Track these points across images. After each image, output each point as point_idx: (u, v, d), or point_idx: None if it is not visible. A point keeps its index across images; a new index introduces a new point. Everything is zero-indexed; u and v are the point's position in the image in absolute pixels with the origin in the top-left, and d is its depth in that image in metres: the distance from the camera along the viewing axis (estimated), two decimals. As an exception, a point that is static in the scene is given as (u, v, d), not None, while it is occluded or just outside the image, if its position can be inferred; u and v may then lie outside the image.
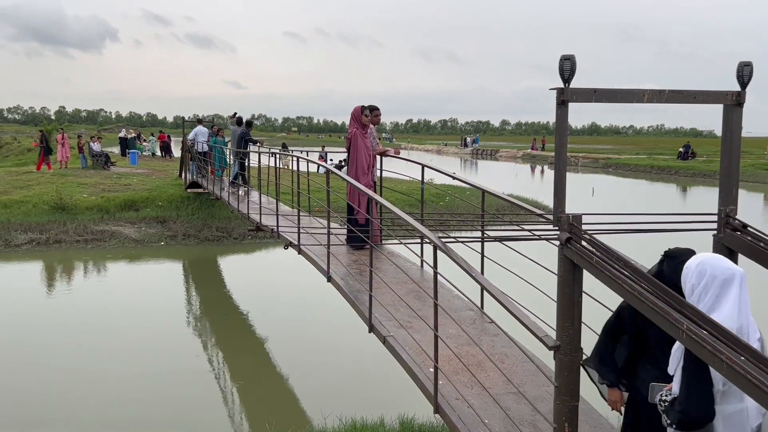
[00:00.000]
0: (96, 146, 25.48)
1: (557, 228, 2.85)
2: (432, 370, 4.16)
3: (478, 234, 6.37)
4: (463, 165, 54.00)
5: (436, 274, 4.05)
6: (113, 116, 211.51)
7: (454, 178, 7.03)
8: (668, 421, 2.63)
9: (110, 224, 17.59)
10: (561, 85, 2.69)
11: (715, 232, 3.18)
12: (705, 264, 2.61)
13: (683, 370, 2.55)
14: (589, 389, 3.40)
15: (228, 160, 16.86)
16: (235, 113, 17.01)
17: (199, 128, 18.40)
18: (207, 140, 17.58)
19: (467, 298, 4.38)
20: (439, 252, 3.97)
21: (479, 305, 5.67)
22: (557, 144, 2.79)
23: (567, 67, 2.64)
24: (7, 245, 15.60)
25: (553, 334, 2.89)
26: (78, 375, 8.45)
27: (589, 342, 3.19)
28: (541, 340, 2.82)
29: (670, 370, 2.71)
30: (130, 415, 7.32)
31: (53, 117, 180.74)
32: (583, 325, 2.86)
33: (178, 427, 6.91)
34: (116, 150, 33.53)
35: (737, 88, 2.97)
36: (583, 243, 2.73)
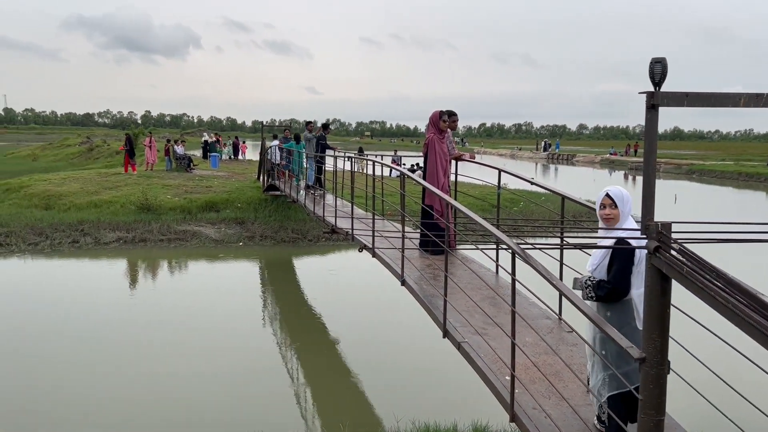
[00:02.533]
0: (180, 149, 26.55)
1: (644, 236, 2.76)
2: (508, 378, 4.10)
3: (555, 240, 6.24)
4: (538, 170, 52.98)
5: (514, 280, 3.98)
6: (195, 120, 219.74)
7: (532, 183, 6.91)
8: (593, 295, 3.63)
9: (192, 224, 18.28)
10: (649, 88, 2.59)
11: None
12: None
13: (618, 264, 3.58)
14: (675, 403, 3.26)
15: (304, 164, 17.27)
16: (310, 122, 17.56)
17: (275, 143, 19.47)
18: (280, 146, 18.40)
19: (546, 305, 4.28)
20: (516, 258, 3.91)
21: (557, 313, 5.54)
22: (646, 149, 2.69)
23: (658, 70, 2.55)
24: (97, 243, 16.45)
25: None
26: (153, 373, 8.70)
27: (676, 355, 3.06)
28: (626, 351, 2.73)
29: (590, 267, 3.74)
30: (204, 413, 7.52)
31: (140, 121, 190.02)
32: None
33: (253, 425, 7.06)
34: (198, 153, 34.80)
35: None
36: (673, 252, 2.62)
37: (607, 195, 3.75)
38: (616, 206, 3.74)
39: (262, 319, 11.68)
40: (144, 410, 7.56)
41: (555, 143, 77.47)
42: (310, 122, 17.66)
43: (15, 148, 64.82)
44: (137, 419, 7.29)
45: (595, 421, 3.77)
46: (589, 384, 3.80)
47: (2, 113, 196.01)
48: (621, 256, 3.59)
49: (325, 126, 17.23)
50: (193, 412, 7.54)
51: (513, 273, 3.97)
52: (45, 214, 18.53)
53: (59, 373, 8.57)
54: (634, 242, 3.57)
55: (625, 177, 44.44)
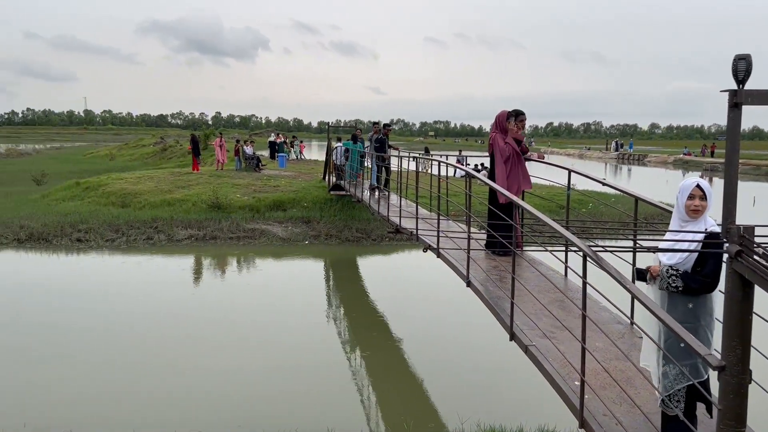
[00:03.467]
0: (249, 150, 27.22)
1: (724, 240, 2.65)
2: (577, 383, 4.02)
3: (626, 243, 6.07)
4: (608, 170, 51.56)
5: (585, 283, 3.91)
6: (263, 121, 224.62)
7: (603, 183, 6.74)
8: (677, 285, 3.59)
9: (260, 223, 18.71)
10: (732, 86, 2.50)
11: None
12: None
13: (714, 258, 3.51)
14: (756, 414, 3.12)
15: (366, 164, 17.48)
16: (376, 123, 17.67)
17: (339, 145, 19.85)
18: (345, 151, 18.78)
19: (619, 310, 4.18)
20: (587, 260, 3.83)
21: (629, 318, 5.39)
22: (728, 150, 2.59)
23: (742, 67, 2.45)
24: (170, 240, 17.07)
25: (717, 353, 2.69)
26: (219, 368, 8.91)
27: (756, 363, 2.93)
28: (704, 359, 2.64)
29: (669, 260, 3.67)
30: (269, 408, 7.69)
31: (210, 122, 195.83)
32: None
33: (317, 421, 7.17)
34: (266, 153, 35.57)
35: None
36: (756, 257, 2.51)
37: (698, 186, 3.70)
38: (705, 198, 3.68)
39: (326, 316, 11.85)
40: (209, 405, 7.76)
41: (628, 143, 75.15)
42: (376, 123, 17.70)
43: (94, 148, 68.05)
44: (203, 413, 7.49)
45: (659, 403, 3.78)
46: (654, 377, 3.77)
47: (82, 115, 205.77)
48: (716, 251, 3.53)
49: (387, 125, 17.23)
50: (258, 407, 7.71)
51: (584, 276, 3.89)
52: (121, 212, 19.38)
53: (126, 368, 8.92)
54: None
55: (701, 178, 42.63)
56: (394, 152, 16.26)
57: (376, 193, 14.59)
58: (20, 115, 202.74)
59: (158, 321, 10.90)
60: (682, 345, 3.48)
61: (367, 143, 18.43)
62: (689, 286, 3.57)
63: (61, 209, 19.86)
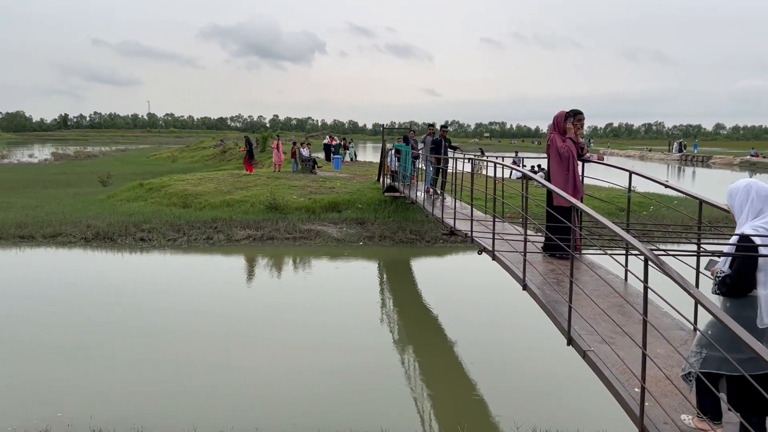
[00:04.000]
0: (305, 152, 27.62)
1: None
2: (637, 390, 3.93)
3: (689, 246, 5.88)
4: (670, 172, 50.00)
5: (646, 288, 3.81)
6: (319, 124, 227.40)
7: (666, 185, 6.55)
8: (718, 291, 3.69)
9: (316, 224, 18.96)
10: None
11: None
12: (750, 185, 3.79)
13: (739, 260, 3.56)
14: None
15: (421, 166, 17.49)
16: (431, 125, 17.63)
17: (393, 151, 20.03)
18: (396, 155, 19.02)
19: (682, 315, 4.05)
20: (648, 264, 3.74)
21: (693, 324, 5.21)
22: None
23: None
24: (229, 240, 17.47)
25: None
26: (273, 368, 9.04)
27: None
28: (761, 358, 2.54)
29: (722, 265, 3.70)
30: (322, 408, 7.73)
31: (268, 125, 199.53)
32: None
33: (370, 422, 7.20)
34: (321, 155, 36.03)
35: None
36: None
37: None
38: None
39: (380, 317, 11.89)
40: (264, 403, 7.91)
41: (693, 144, 72.73)
42: (431, 125, 17.58)
43: (156, 150, 70.37)
44: (258, 412, 7.63)
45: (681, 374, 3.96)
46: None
47: (146, 118, 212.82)
48: (743, 252, 3.62)
49: (443, 126, 17.15)
50: (312, 406, 7.79)
51: (645, 280, 3.80)
52: (183, 212, 19.96)
53: (184, 365, 9.16)
54: (758, 240, 3.58)
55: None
56: (457, 153, 16.04)
57: (433, 194, 14.54)
58: (88, 118, 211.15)
59: (214, 320, 11.15)
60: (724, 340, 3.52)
61: (420, 145, 18.42)
62: (717, 288, 3.71)
63: (126, 209, 20.62)
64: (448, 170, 16.06)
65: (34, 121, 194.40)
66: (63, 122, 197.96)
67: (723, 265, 3.72)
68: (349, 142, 43.44)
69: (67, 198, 24.59)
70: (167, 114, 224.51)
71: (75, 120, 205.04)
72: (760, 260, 3.54)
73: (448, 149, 16.24)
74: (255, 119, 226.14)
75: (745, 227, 3.67)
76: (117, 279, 13.90)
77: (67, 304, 11.93)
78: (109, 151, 77.05)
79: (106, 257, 15.91)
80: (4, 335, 10.06)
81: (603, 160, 8.43)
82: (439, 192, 14.63)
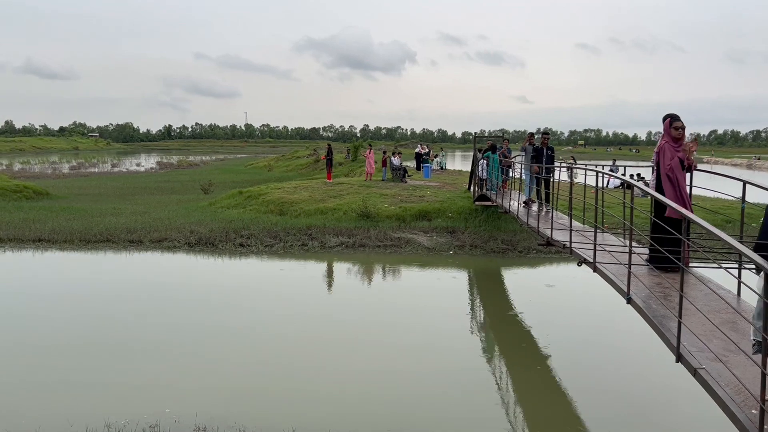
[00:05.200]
0: (396, 160, 27.88)
1: None
2: (755, 411, 3.72)
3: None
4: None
5: (766, 303, 3.60)
6: (408, 133, 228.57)
7: (784, 196, 6.15)
8: None
9: (406, 232, 19.08)
10: None
11: None
12: None
13: None
14: None
15: (518, 175, 17.12)
16: (532, 134, 16.77)
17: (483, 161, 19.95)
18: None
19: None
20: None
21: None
22: None
23: None
24: (322, 246, 17.89)
25: None
26: (362, 370, 9.20)
27: None
28: None
29: None
30: (416, 412, 7.79)
31: (359, 134, 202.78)
32: None
33: (462, 427, 7.15)
34: (412, 164, 36.23)
35: None
36: None
37: None
38: None
39: (470, 327, 11.79)
40: (351, 406, 8.03)
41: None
42: (532, 134, 16.71)
43: (254, 160, 73.14)
44: (352, 415, 7.75)
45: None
46: None
47: (243, 128, 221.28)
48: None
49: (545, 133, 15.72)
50: (407, 409, 7.86)
51: (765, 295, 3.59)
52: (279, 219, 20.65)
53: (280, 367, 9.46)
54: None
55: None
56: (563, 164, 14.87)
57: (533, 208, 13.62)
58: (189, 129, 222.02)
59: (309, 323, 11.44)
60: None
61: (516, 153, 18.04)
62: None
63: (226, 216, 21.56)
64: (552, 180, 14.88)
65: (141, 132, 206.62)
66: (167, 133, 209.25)
67: None
68: (438, 152, 43.39)
69: (172, 204, 26.00)
70: (263, 124, 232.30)
71: (178, 131, 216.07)
72: None
73: (552, 157, 15.06)
74: (346, 129, 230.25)
75: None
76: (219, 283, 14.55)
77: (174, 306, 12.61)
78: (210, 160, 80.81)
79: (208, 261, 16.67)
80: (118, 336, 10.72)
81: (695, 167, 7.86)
82: (543, 204, 13.52)
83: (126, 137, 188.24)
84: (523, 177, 16.31)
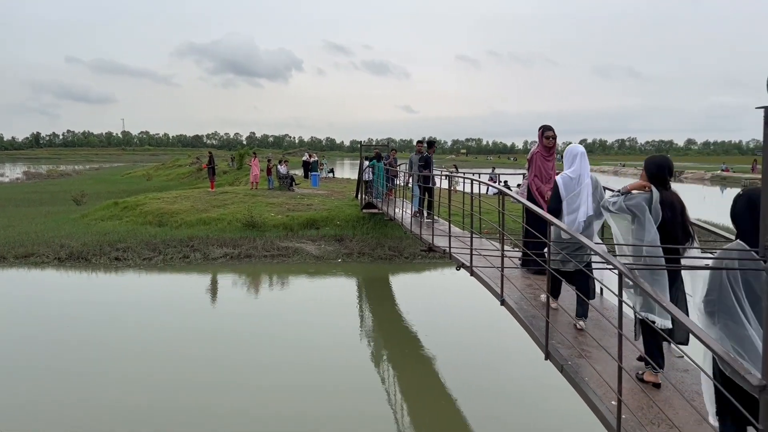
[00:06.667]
0: (283, 169, 27.58)
1: (762, 258, 2.62)
2: (614, 403, 3.98)
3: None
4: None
5: (620, 302, 3.88)
6: (296, 141, 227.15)
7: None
8: None
9: (294, 241, 18.90)
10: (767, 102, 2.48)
11: None
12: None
13: None
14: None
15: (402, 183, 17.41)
16: (420, 141, 16.23)
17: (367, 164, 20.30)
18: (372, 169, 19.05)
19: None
20: (622, 279, 3.81)
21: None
22: (765, 166, 2.57)
23: (778, 83, 2.43)
24: (205, 258, 17.32)
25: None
26: (251, 385, 9.03)
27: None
28: (743, 378, 2.59)
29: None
30: (301, 426, 7.71)
31: (245, 142, 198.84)
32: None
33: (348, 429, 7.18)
34: (299, 172, 36.02)
35: None
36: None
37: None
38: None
39: (359, 334, 11.86)
40: (239, 422, 7.83)
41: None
42: (420, 141, 15.74)
43: (131, 169, 69.66)
44: (237, 430, 7.57)
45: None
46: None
47: (120, 136, 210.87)
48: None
49: (431, 143, 15.42)
50: (289, 425, 7.75)
51: (619, 294, 3.87)
52: (158, 231, 19.76)
53: (156, 384, 9.07)
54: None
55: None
56: (436, 172, 14.81)
57: (421, 218, 13.38)
58: (61, 137, 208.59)
59: (190, 339, 11.05)
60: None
61: (400, 162, 18.34)
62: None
63: (100, 228, 20.35)
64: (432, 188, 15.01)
65: (5, 139, 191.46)
66: (35, 141, 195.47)
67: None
68: (322, 158, 43.58)
69: (40, 217, 24.20)
70: (142, 132, 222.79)
71: (48, 138, 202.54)
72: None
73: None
74: (231, 136, 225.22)
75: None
76: (92, 300, 13.70)
77: (38, 323, 11.73)
78: (83, 169, 76.10)
79: (81, 277, 15.66)
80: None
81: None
82: (426, 213, 13.57)
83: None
84: (409, 185, 16.28)
